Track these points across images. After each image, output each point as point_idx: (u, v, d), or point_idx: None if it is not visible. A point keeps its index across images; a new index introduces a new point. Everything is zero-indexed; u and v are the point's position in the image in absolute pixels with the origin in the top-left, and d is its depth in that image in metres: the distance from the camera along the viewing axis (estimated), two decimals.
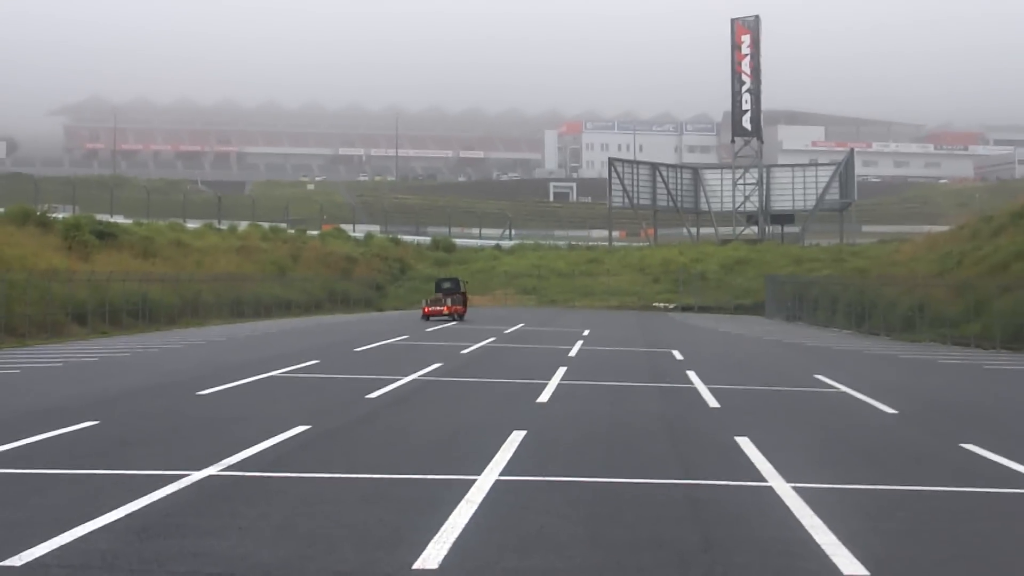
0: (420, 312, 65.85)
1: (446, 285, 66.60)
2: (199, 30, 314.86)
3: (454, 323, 59.46)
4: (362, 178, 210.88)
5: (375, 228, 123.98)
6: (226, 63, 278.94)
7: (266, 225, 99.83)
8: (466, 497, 12.60)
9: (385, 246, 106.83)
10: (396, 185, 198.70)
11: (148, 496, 12.41)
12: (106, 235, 63.70)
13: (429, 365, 31.11)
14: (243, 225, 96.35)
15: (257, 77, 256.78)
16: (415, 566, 9.74)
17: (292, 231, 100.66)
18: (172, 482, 13.26)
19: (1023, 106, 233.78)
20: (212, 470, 14.16)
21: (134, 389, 24.24)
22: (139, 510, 11.75)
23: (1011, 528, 12.01)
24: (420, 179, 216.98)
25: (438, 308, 64.00)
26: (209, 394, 23.20)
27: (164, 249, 69.73)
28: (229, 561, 9.86)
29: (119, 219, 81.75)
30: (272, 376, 27.31)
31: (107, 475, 13.96)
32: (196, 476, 13.72)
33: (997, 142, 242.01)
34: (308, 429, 17.95)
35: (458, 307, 64.43)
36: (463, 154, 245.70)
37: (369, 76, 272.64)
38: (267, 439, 16.68)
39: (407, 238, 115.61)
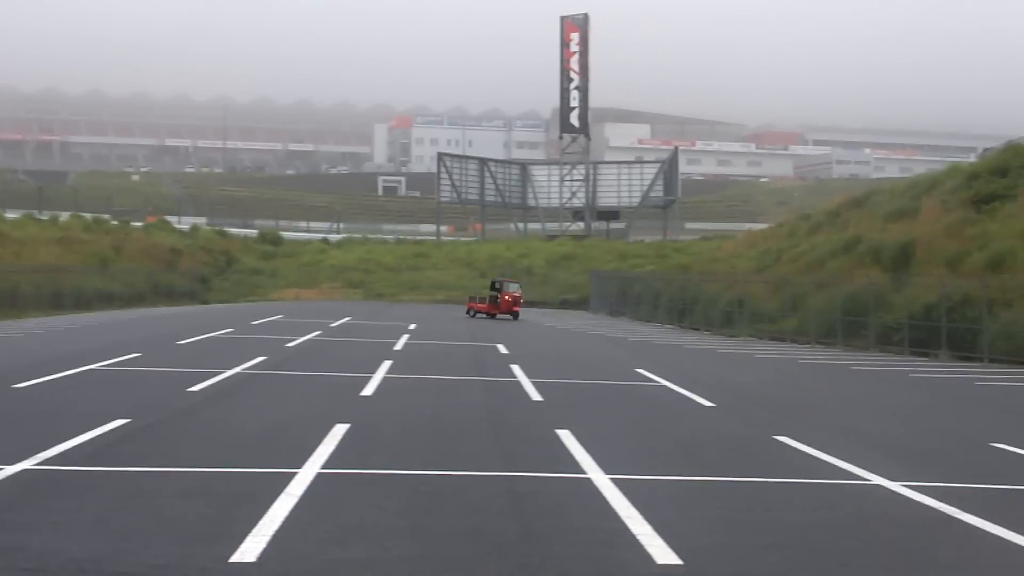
0: (249, 305, 65.56)
1: (498, 285, 67.36)
2: (18, 15, 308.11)
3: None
4: (189, 169, 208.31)
5: (201, 220, 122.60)
6: (50, 51, 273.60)
7: (89, 216, 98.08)
8: (286, 490, 12.56)
9: (211, 238, 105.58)
10: (224, 177, 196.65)
11: None
12: None
13: (253, 358, 30.83)
14: (65, 216, 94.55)
15: (82, 65, 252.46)
16: (232, 559, 9.69)
17: (115, 222, 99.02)
18: None
19: (841, 108, 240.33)
20: (26, 464, 13.89)
21: None
22: None
23: (822, 517, 12.35)
24: (248, 171, 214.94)
25: (481, 304, 66.62)
26: (25, 387, 22.70)
27: None
28: (42, 556, 9.70)
29: None
30: (91, 369, 26.81)
31: None
32: (9, 470, 13.45)
33: (816, 142, 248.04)
34: (127, 423, 17.68)
35: (510, 306, 65.58)
36: (292, 147, 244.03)
37: (197, 66, 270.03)
38: (84, 433, 16.39)
39: (234, 231, 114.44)
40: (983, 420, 22.72)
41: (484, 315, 64.91)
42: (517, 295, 65.99)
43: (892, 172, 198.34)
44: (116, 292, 72.96)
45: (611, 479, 13.81)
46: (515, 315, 64.61)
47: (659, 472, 14.76)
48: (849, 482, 14.51)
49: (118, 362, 28.92)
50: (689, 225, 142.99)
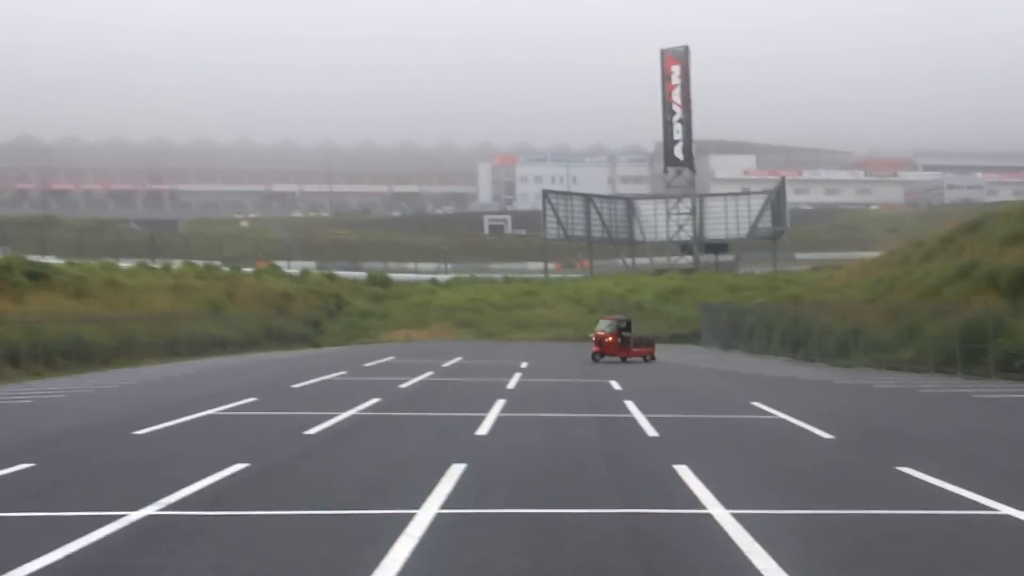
0: (360, 347, 65.15)
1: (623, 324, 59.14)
2: (129, 68, 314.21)
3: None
4: (296, 214, 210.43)
5: (310, 264, 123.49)
6: (157, 101, 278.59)
7: (200, 263, 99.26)
8: (406, 531, 12.57)
9: (321, 282, 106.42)
10: (330, 221, 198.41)
11: (85, 537, 12.29)
12: (38, 275, 63.12)
13: (367, 400, 30.99)
14: (177, 263, 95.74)
15: (188, 114, 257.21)
16: None
17: (226, 269, 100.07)
18: (109, 523, 13.14)
19: (951, 132, 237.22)
20: (150, 510, 14.05)
21: (70, 430, 24.00)
22: (77, 552, 11.64)
23: (948, 549, 12.11)
24: (354, 214, 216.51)
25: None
26: (145, 434, 23.01)
27: (97, 289, 69.18)
28: None
29: (51, 259, 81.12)
30: (209, 415, 27.12)
31: (43, 517, 13.82)
32: (134, 516, 13.60)
33: (926, 167, 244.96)
34: (246, 467, 17.83)
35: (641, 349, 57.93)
36: (397, 188, 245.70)
37: (301, 111, 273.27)
38: (205, 478, 16.56)
39: (343, 274, 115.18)
40: None
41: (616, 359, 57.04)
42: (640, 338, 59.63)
43: (1006, 196, 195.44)
44: (229, 338, 73.79)
45: (732, 514, 13.66)
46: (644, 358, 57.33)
47: (780, 506, 14.57)
48: (976, 512, 14.21)
49: (235, 407, 29.22)
50: (799, 255, 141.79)
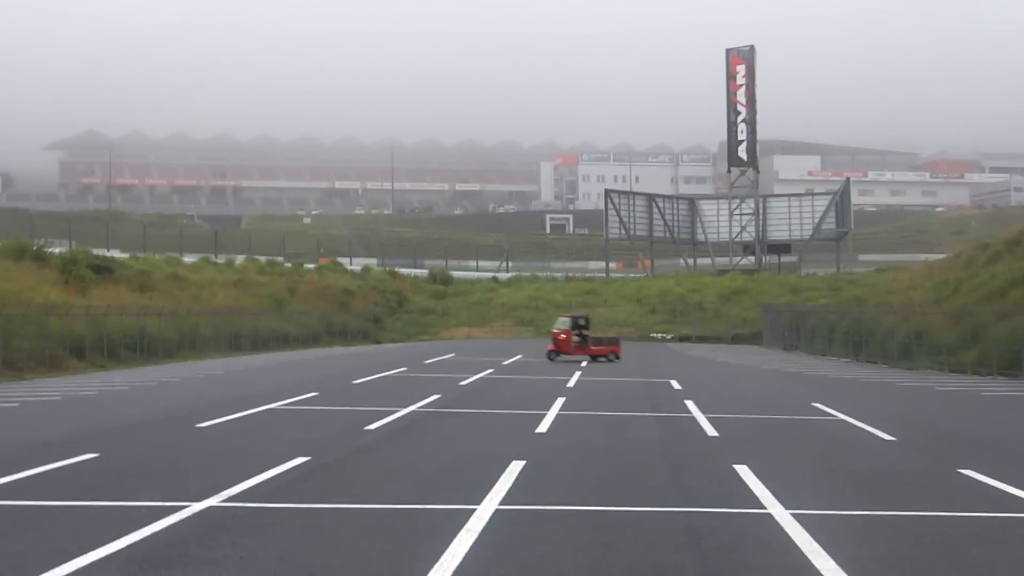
0: (421, 344, 65.04)
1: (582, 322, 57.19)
2: (193, 64, 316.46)
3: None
4: (358, 212, 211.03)
5: (372, 261, 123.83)
6: (221, 97, 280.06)
7: (263, 259, 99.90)
8: (466, 526, 12.61)
9: (382, 279, 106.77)
10: (392, 218, 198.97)
11: (148, 527, 12.42)
12: (103, 269, 63.70)
13: (427, 397, 31.10)
14: (240, 259, 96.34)
15: (252, 111, 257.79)
16: None
17: (289, 265, 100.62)
18: (172, 513, 13.26)
19: (1018, 133, 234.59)
20: (212, 501, 14.17)
21: (133, 422, 24.24)
22: (140, 541, 11.76)
23: (1010, 552, 12.01)
24: (416, 212, 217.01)
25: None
26: (208, 426, 23.21)
27: (161, 283, 69.79)
28: None
29: (115, 253, 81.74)
30: (271, 408, 27.31)
31: (107, 507, 13.97)
32: (196, 507, 13.73)
33: (993, 169, 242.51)
34: (307, 460, 17.94)
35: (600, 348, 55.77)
36: (459, 187, 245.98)
37: (364, 108, 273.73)
38: (266, 470, 16.68)
39: (404, 271, 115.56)
40: None
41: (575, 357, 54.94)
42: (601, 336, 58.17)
43: None
44: (291, 333, 74.25)
45: (792, 514, 13.61)
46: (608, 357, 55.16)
47: (840, 507, 14.48)
48: None
49: (296, 401, 29.41)
50: (862, 257, 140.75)
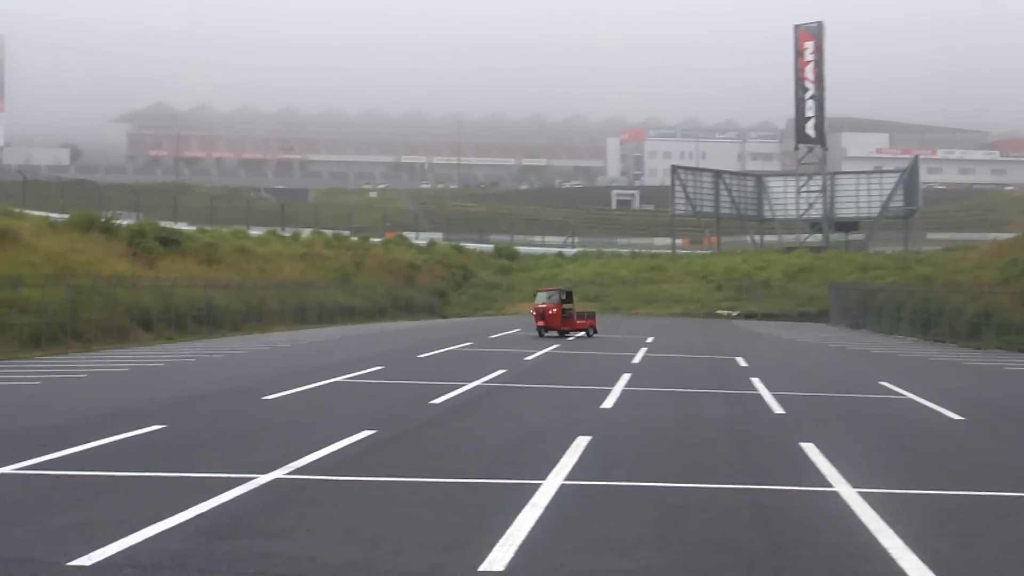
0: (485, 319, 64.22)
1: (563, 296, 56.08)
2: (261, 37, 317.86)
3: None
4: (424, 186, 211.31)
5: (438, 236, 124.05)
6: (288, 70, 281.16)
7: (329, 232, 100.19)
8: (532, 501, 12.64)
9: (448, 253, 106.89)
10: (458, 193, 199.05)
11: (216, 498, 12.54)
12: (170, 242, 64.07)
13: (493, 371, 31.16)
14: (306, 232, 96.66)
15: (319, 84, 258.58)
16: (481, 568, 9.79)
17: (355, 238, 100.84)
18: (239, 484, 13.39)
19: None
20: (279, 473, 14.28)
21: (200, 394, 24.44)
22: (207, 511, 11.88)
23: None
24: (482, 187, 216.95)
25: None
26: (275, 399, 23.37)
27: (228, 256, 70.15)
28: (297, 562, 9.95)
29: (183, 226, 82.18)
30: (337, 381, 27.46)
31: (175, 478, 14.11)
32: (263, 479, 13.84)
33: None
34: (374, 434, 18.03)
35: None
36: (525, 162, 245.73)
37: (431, 83, 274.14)
38: (333, 443, 16.79)
39: (470, 246, 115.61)
40: None
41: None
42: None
43: None
44: (357, 306, 74.49)
45: (858, 492, 13.55)
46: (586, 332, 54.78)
47: (908, 486, 14.40)
48: None
49: (362, 375, 29.54)
50: (931, 235, 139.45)
